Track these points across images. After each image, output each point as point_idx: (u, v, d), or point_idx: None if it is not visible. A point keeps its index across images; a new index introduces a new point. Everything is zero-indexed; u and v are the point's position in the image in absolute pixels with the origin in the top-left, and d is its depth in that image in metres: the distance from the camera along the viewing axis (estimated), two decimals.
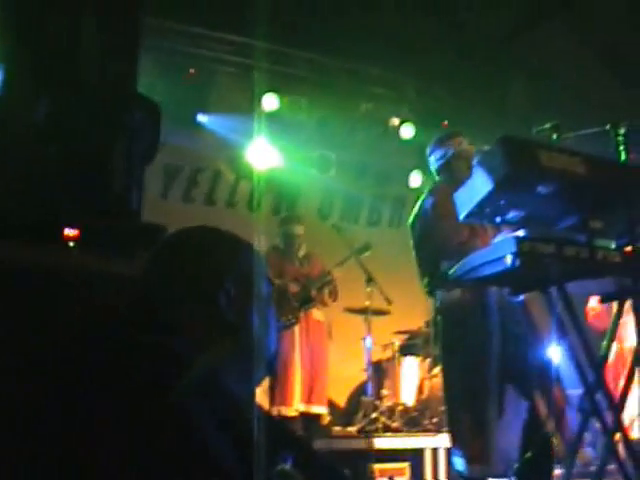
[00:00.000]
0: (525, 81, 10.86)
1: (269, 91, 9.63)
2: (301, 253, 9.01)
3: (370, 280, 8.88)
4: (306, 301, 8.72)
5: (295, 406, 8.47)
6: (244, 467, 1.63)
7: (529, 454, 5.08)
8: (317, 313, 8.91)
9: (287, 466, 1.80)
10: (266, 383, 8.05)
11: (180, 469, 1.58)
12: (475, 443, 4.98)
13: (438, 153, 5.67)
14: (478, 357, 5.08)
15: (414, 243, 5.53)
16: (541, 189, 4.02)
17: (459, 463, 5.07)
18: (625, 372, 4.85)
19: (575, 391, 5.40)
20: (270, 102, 9.69)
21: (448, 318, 5.27)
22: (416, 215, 5.53)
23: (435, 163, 5.71)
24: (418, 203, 5.58)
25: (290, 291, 8.62)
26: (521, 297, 4.69)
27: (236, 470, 1.61)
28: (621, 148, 4.37)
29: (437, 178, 5.74)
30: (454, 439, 5.16)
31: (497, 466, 5.01)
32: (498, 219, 4.30)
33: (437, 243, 5.22)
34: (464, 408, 5.07)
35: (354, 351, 9.74)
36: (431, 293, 5.20)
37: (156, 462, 1.59)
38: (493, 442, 4.99)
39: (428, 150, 5.79)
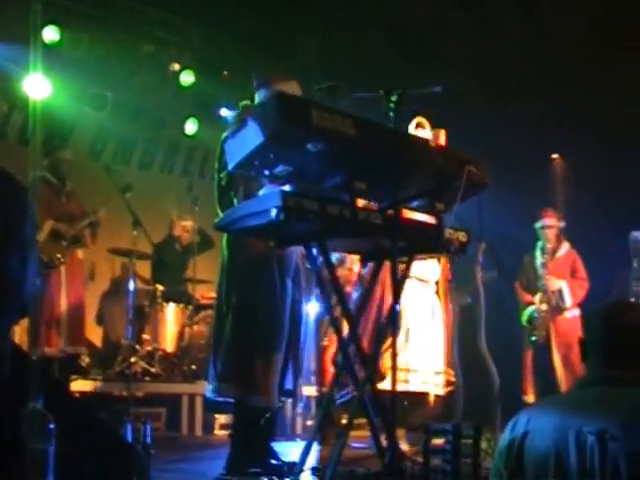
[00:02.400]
0: (313, 39, 10.94)
1: (50, 23, 9.27)
2: (67, 187, 8.70)
3: (137, 224, 8.78)
4: (75, 240, 8.52)
5: (57, 346, 8.32)
6: None
7: None
8: (80, 253, 8.71)
9: (38, 405, 1.80)
10: (26, 323, 7.85)
11: None
12: (265, 379, 5.06)
13: (263, 93, 5.36)
14: (275, 300, 5.13)
15: (223, 162, 5.04)
16: (310, 146, 4.10)
17: (233, 393, 5.10)
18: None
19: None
20: (51, 34, 9.31)
21: (243, 256, 5.20)
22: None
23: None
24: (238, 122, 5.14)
25: (60, 230, 8.40)
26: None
27: None
28: (391, 114, 4.50)
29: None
30: (239, 375, 5.13)
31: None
32: (267, 172, 4.36)
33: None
34: (259, 347, 5.10)
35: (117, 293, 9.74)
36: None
37: None
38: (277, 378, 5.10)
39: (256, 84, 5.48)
